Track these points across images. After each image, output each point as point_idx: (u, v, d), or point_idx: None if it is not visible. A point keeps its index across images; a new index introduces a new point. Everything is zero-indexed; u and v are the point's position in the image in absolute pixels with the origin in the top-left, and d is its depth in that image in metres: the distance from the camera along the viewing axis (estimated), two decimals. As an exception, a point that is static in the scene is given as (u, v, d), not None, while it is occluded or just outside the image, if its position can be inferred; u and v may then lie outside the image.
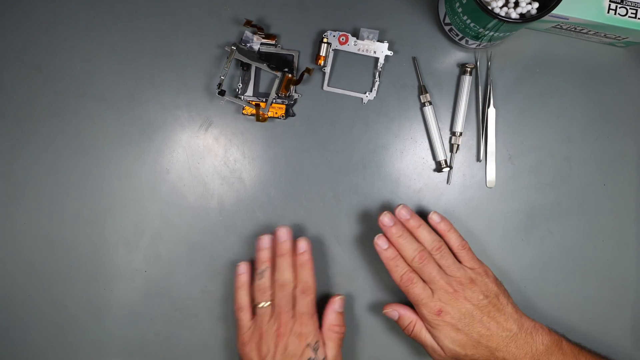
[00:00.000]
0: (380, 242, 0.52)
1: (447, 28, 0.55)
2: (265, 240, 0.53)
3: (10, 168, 0.56)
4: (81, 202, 0.56)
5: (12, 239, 0.56)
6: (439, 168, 0.56)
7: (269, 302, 0.51)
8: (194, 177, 0.57)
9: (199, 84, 0.57)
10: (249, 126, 0.57)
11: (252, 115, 0.56)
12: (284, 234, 0.53)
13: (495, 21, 0.46)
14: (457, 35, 0.54)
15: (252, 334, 0.51)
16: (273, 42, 0.56)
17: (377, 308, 0.56)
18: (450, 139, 0.56)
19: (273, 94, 0.55)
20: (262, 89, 0.57)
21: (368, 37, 0.55)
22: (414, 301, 0.51)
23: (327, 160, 0.57)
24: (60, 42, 0.56)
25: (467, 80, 0.56)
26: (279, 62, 0.56)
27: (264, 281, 0.52)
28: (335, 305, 0.53)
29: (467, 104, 0.56)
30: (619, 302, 0.57)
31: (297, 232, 0.56)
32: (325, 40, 0.55)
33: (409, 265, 0.51)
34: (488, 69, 0.57)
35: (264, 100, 0.56)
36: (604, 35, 0.54)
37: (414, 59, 0.57)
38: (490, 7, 0.47)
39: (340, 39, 0.55)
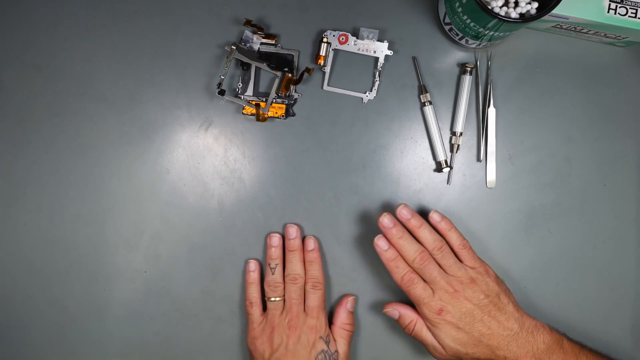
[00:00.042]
0: (380, 243, 0.52)
1: (447, 28, 0.55)
2: (276, 239, 0.55)
3: (10, 168, 0.56)
4: (81, 202, 0.56)
5: (12, 239, 0.56)
6: (439, 168, 0.56)
7: (280, 297, 0.53)
8: (194, 177, 0.57)
9: (199, 84, 0.56)
10: (249, 126, 0.57)
11: (252, 115, 0.56)
12: (293, 231, 0.55)
13: (495, 21, 0.46)
14: (457, 35, 0.54)
15: (263, 328, 0.53)
16: (273, 41, 0.56)
17: (377, 308, 0.56)
18: (451, 139, 0.56)
19: (273, 94, 0.55)
20: (262, 88, 0.57)
21: (368, 36, 0.55)
22: (415, 301, 0.51)
23: (327, 160, 0.57)
24: (60, 42, 0.56)
25: (467, 80, 0.56)
26: (279, 61, 0.56)
27: (275, 276, 0.54)
28: (347, 305, 0.55)
29: (467, 104, 0.56)
30: (619, 302, 0.57)
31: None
32: (325, 40, 0.55)
33: (409, 265, 0.51)
34: (488, 68, 0.57)
35: (264, 100, 0.56)
36: (604, 35, 0.54)
37: (414, 58, 0.57)
38: (490, 7, 0.47)
39: (340, 39, 0.55)
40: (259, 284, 0.55)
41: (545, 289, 0.57)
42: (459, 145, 0.56)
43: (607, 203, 0.57)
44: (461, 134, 0.56)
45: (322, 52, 0.55)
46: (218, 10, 0.57)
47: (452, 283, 0.50)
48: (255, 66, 0.56)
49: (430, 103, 0.56)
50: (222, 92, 0.54)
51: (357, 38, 0.56)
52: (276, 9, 0.57)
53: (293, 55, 0.56)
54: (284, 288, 0.54)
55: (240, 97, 0.56)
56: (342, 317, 0.54)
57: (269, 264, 0.54)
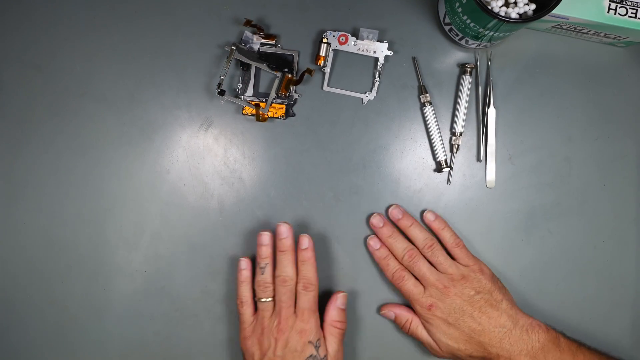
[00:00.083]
0: (372, 242, 0.55)
1: (447, 28, 0.55)
2: (266, 237, 0.53)
3: (10, 168, 0.56)
4: (81, 202, 0.56)
5: (12, 239, 0.56)
6: (439, 168, 0.56)
7: (270, 298, 0.52)
8: (194, 177, 0.57)
9: (199, 84, 0.57)
10: (249, 126, 0.57)
11: (252, 115, 0.56)
12: (285, 230, 0.52)
13: (495, 21, 0.46)
14: (457, 35, 0.54)
15: (253, 328, 0.52)
16: (273, 42, 0.56)
17: (377, 306, 0.56)
18: (450, 139, 0.56)
19: (273, 94, 0.55)
20: (262, 89, 0.57)
21: (368, 37, 0.55)
22: (407, 297, 0.52)
23: (327, 160, 0.57)
24: (60, 42, 0.56)
25: (467, 80, 0.56)
26: (279, 62, 0.56)
27: (265, 277, 0.52)
28: (337, 302, 0.53)
29: (467, 104, 0.56)
30: (619, 302, 0.57)
31: (297, 232, 0.56)
32: (325, 40, 0.55)
33: (400, 263, 0.53)
34: (488, 69, 0.57)
35: (264, 100, 0.56)
36: (604, 35, 0.54)
37: (414, 59, 0.57)
38: (490, 7, 0.47)
39: (340, 39, 0.55)
40: (250, 282, 0.53)
41: (545, 288, 0.57)
42: (458, 146, 0.56)
43: (607, 203, 0.57)
44: (461, 134, 0.56)
45: (322, 53, 0.55)
46: (218, 10, 0.57)
47: (442, 279, 0.51)
48: (255, 66, 0.56)
49: (430, 103, 0.56)
50: (222, 93, 0.54)
51: (357, 38, 0.56)
52: (276, 9, 0.57)
53: (293, 56, 0.56)
54: (275, 288, 0.52)
55: (240, 98, 0.56)
56: (332, 314, 0.52)
57: (259, 264, 0.52)
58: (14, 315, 0.56)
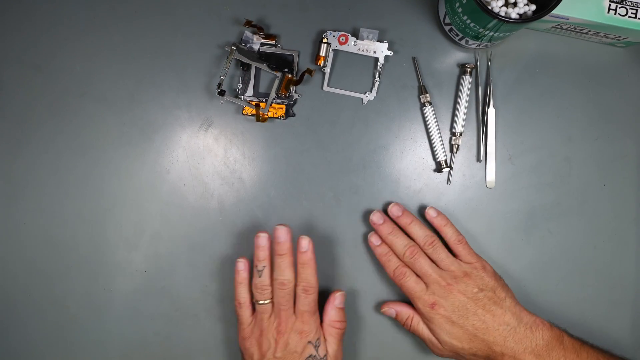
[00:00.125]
0: (373, 239, 0.54)
1: (447, 28, 0.55)
2: (263, 239, 0.52)
3: (10, 168, 0.56)
4: (81, 202, 0.56)
5: (13, 239, 0.56)
6: (439, 168, 0.56)
7: (268, 300, 0.51)
8: (194, 177, 0.57)
9: (199, 84, 0.57)
10: (249, 126, 0.57)
11: (252, 115, 0.56)
12: (283, 234, 0.51)
13: (495, 21, 0.46)
14: (457, 35, 0.54)
15: (252, 329, 0.51)
16: (273, 42, 0.56)
17: (378, 306, 0.57)
18: (450, 139, 0.56)
19: (273, 94, 0.55)
20: (262, 89, 0.57)
21: (368, 37, 0.55)
22: (409, 295, 0.52)
23: (327, 160, 0.57)
24: (60, 42, 0.56)
25: (467, 80, 0.56)
26: (279, 62, 0.56)
27: (262, 279, 0.51)
28: (336, 301, 0.53)
29: (467, 104, 0.56)
30: (618, 301, 0.57)
31: (297, 232, 0.56)
32: (325, 40, 0.55)
33: (401, 260, 0.52)
34: (488, 69, 0.57)
35: (264, 100, 0.56)
36: (604, 35, 0.54)
37: (414, 59, 0.57)
38: (490, 7, 0.47)
39: (340, 39, 0.55)
40: (248, 284, 0.52)
41: (545, 288, 0.57)
42: (458, 146, 0.56)
43: (607, 203, 0.57)
44: (461, 134, 0.56)
45: (322, 53, 0.55)
46: (218, 10, 0.57)
47: (444, 277, 0.51)
48: (255, 66, 0.56)
49: (430, 103, 0.56)
50: (222, 93, 0.54)
51: (357, 38, 0.56)
52: (276, 9, 0.57)
53: (293, 56, 0.56)
54: (273, 291, 0.51)
55: (240, 98, 0.56)
56: (331, 314, 0.52)
57: (256, 266, 0.51)
58: (14, 315, 0.56)
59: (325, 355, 0.50)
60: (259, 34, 0.56)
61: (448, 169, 0.56)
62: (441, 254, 0.52)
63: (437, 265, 0.52)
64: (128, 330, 0.56)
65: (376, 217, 0.54)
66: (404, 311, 0.53)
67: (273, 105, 0.56)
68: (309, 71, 0.54)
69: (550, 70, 0.57)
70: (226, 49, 0.55)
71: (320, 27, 0.57)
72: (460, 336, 0.50)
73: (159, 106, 0.56)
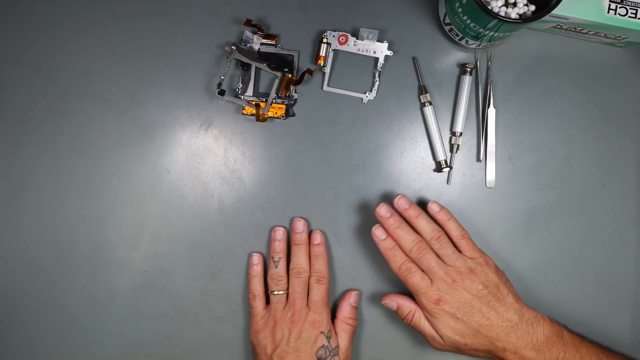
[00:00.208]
0: (378, 232, 0.52)
1: (447, 28, 0.55)
2: (280, 232, 0.55)
3: (10, 168, 0.56)
4: (81, 202, 0.56)
5: (13, 239, 0.56)
6: (439, 168, 0.56)
7: (283, 291, 0.53)
8: (194, 177, 0.57)
9: (199, 84, 0.57)
10: (249, 126, 0.57)
11: (252, 115, 0.56)
12: (301, 225, 0.55)
13: (495, 21, 0.46)
14: (457, 35, 0.54)
15: (266, 321, 0.53)
16: (273, 42, 0.56)
17: (378, 306, 0.57)
18: (450, 139, 0.56)
19: (273, 94, 0.55)
20: (262, 89, 0.57)
21: (368, 37, 0.55)
22: (413, 291, 0.51)
23: (327, 160, 0.57)
24: (60, 42, 0.56)
25: (467, 80, 0.56)
26: (279, 62, 0.56)
27: (278, 270, 0.54)
28: (351, 299, 0.55)
29: (467, 104, 0.56)
30: (618, 301, 0.57)
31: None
32: (325, 40, 0.55)
33: (407, 255, 0.51)
34: (488, 69, 0.57)
35: (264, 100, 0.56)
36: (604, 35, 0.54)
37: (414, 59, 0.57)
38: (490, 7, 0.47)
39: (340, 39, 0.55)
40: (262, 277, 0.55)
41: (545, 288, 0.57)
42: (458, 146, 0.56)
43: (607, 203, 0.57)
44: (461, 134, 0.56)
45: (322, 53, 0.55)
46: (218, 10, 0.57)
47: (450, 273, 0.50)
48: (255, 66, 0.56)
49: (430, 103, 0.56)
50: (222, 93, 0.54)
51: (357, 38, 0.56)
52: (276, 9, 0.57)
53: (293, 56, 0.56)
54: (287, 282, 0.54)
55: (240, 98, 0.56)
56: (345, 311, 0.54)
57: (273, 257, 0.54)
58: (14, 315, 0.56)
59: (337, 347, 0.52)
60: (259, 34, 0.56)
61: (448, 168, 0.56)
62: (447, 250, 0.51)
63: (443, 261, 0.51)
64: (128, 330, 0.56)
65: (383, 210, 0.52)
66: (406, 305, 0.52)
67: (273, 105, 0.56)
68: (309, 71, 0.54)
69: (550, 70, 0.57)
70: (226, 48, 0.55)
71: (320, 27, 0.57)
72: (464, 332, 0.50)
73: (159, 106, 0.56)
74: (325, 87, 0.56)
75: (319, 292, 0.53)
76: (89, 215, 0.56)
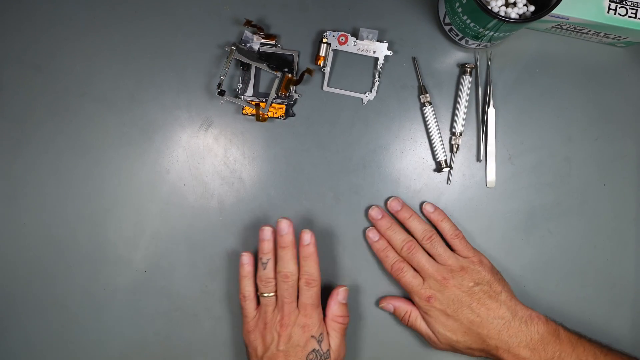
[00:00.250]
0: (371, 234, 0.55)
1: (447, 28, 0.55)
2: (267, 232, 0.52)
3: (10, 168, 0.56)
4: (81, 202, 0.56)
5: (12, 239, 0.56)
6: (439, 168, 0.56)
7: (272, 293, 0.52)
8: (194, 177, 0.57)
9: (199, 84, 0.57)
10: (249, 126, 0.57)
11: (252, 115, 0.56)
12: (285, 226, 0.51)
13: (495, 21, 0.46)
14: (457, 35, 0.54)
15: (256, 323, 0.52)
16: (273, 42, 0.56)
17: (377, 306, 0.56)
18: (450, 139, 0.56)
19: (273, 94, 0.55)
20: (262, 89, 0.57)
21: (368, 37, 0.55)
22: (407, 289, 0.52)
23: (327, 160, 0.57)
24: (60, 42, 0.56)
25: (467, 80, 0.56)
26: (279, 62, 0.56)
27: (267, 272, 0.52)
28: (339, 296, 0.53)
29: (467, 104, 0.56)
30: (618, 301, 0.57)
31: (298, 229, 0.56)
32: (325, 40, 0.55)
33: (398, 254, 0.53)
34: (488, 69, 0.57)
35: (264, 100, 0.56)
36: (604, 35, 0.54)
37: (413, 59, 0.57)
38: (490, 7, 0.47)
39: (340, 39, 0.55)
40: (252, 277, 0.53)
41: (545, 288, 0.57)
42: (458, 146, 0.56)
43: (607, 203, 0.57)
44: (461, 134, 0.56)
45: (322, 53, 0.55)
46: (218, 10, 0.57)
47: (441, 271, 0.51)
48: (255, 66, 0.56)
49: (430, 103, 0.56)
50: (222, 93, 0.54)
51: (357, 38, 0.56)
52: (276, 9, 0.57)
53: (293, 56, 0.56)
54: (277, 283, 0.52)
55: (240, 98, 0.56)
56: (334, 309, 0.52)
57: (261, 259, 0.52)
58: (14, 315, 0.56)
59: (328, 350, 0.51)
60: (259, 34, 0.56)
61: (448, 168, 0.56)
62: (439, 249, 0.52)
63: (435, 260, 0.52)
64: (128, 330, 0.56)
65: (374, 212, 0.54)
66: (402, 306, 0.54)
67: (273, 105, 0.56)
68: (309, 71, 0.54)
69: (550, 70, 0.57)
70: (226, 49, 0.55)
71: (320, 27, 0.57)
72: (455, 329, 0.50)
73: (159, 106, 0.56)
74: (325, 87, 0.56)
75: (308, 295, 0.51)
76: (89, 215, 0.56)
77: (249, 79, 0.56)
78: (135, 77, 0.56)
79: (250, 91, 0.56)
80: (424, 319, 0.52)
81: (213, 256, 0.56)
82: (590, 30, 0.54)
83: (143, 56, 0.57)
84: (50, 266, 0.56)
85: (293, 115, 0.57)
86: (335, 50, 0.56)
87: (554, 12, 0.47)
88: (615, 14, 0.51)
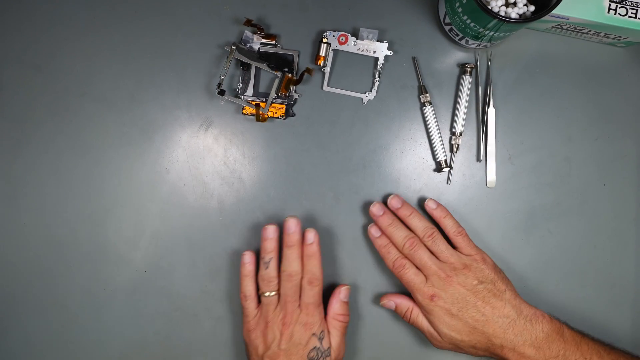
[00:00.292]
0: (372, 230, 0.54)
1: (447, 28, 0.55)
2: (271, 231, 0.52)
3: (10, 168, 0.56)
4: (81, 202, 0.56)
5: (12, 239, 0.56)
6: (439, 168, 0.56)
7: (274, 292, 0.52)
8: (194, 177, 0.57)
9: (199, 84, 0.57)
10: (249, 126, 0.57)
11: (252, 115, 0.56)
12: (293, 225, 0.52)
13: (495, 21, 0.46)
14: (457, 35, 0.54)
15: (257, 322, 0.52)
16: (273, 42, 0.56)
17: (378, 305, 0.56)
18: (450, 139, 0.56)
19: (273, 94, 0.55)
20: (262, 88, 0.57)
21: (368, 37, 0.55)
22: (408, 287, 0.52)
23: (327, 160, 0.57)
24: (60, 42, 0.56)
25: (467, 80, 0.56)
26: (279, 62, 0.56)
27: (269, 271, 0.52)
28: (341, 295, 0.53)
29: (467, 104, 0.56)
30: (618, 301, 0.57)
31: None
32: (325, 40, 0.55)
33: (400, 252, 0.52)
34: (488, 69, 0.57)
35: (264, 100, 0.56)
36: (604, 35, 0.54)
37: (414, 59, 0.57)
38: (490, 7, 0.47)
39: (340, 39, 0.55)
40: (254, 276, 0.53)
41: (545, 288, 0.57)
42: (458, 146, 0.56)
43: (607, 203, 0.57)
44: (461, 134, 0.56)
45: (322, 53, 0.55)
46: (218, 10, 0.57)
47: (444, 269, 0.50)
48: (255, 66, 0.56)
49: (430, 103, 0.56)
50: (222, 92, 0.54)
51: (357, 38, 0.56)
52: (276, 9, 0.57)
53: (293, 56, 0.56)
54: (279, 282, 0.52)
55: (240, 97, 0.56)
56: (335, 307, 0.53)
57: (263, 258, 0.52)
58: (14, 315, 0.56)
59: (329, 347, 0.51)
60: (259, 34, 0.56)
61: (448, 168, 0.56)
62: (441, 246, 0.51)
63: (437, 257, 0.51)
64: (128, 330, 0.56)
65: (376, 209, 0.54)
66: (404, 303, 0.53)
67: (273, 105, 0.56)
68: (308, 70, 0.54)
69: (550, 70, 0.57)
70: (226, 48, 0.55)
71: (320, 27, 0.57)
72: (460, 328, 0.50)
73: (159, 106, 0.56)
74: (325, 87, 0.56)
75: (311, 295, 0.51)
76: (89, 215, 0.56)
77: (249, 79, 0.56)
78: (135, 77, 0.56)
79: (250, 91, 0.56)
80: (425, 317, 0.52)
81: (213, 256, 0.56)
82: (590, 30, 0.54)
83: (143, 56, 0.57)
84: (50, 266, 0.56)
85: (293, 115, 0.57)
86: (335, 50, 0.56)
87: (554, 12, 0.47)
88: (615, 14, 0.51)
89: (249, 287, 0.53)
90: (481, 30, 0.50)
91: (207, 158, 0.57)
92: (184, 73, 0.56)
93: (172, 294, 0.56)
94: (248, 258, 0.53)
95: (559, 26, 0.54)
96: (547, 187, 0.57)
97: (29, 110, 0.56)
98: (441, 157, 0.56)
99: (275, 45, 0.56)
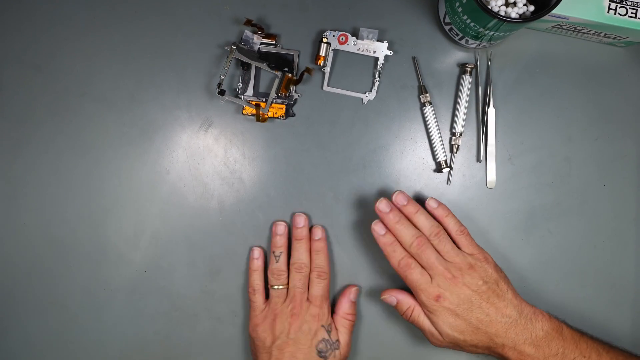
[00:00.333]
0: (377, 227, 0.52)
1: (447, 28, 0.55)
2: (282, 227, 0.55)
3: (10, 168, 0.56)
4: (81, 202, 0.56)
5: (13, 238, 0.56)
6: (439, 168, 0.56)
7: (283, 285, 0.54)
8: (194, 177, 0.57)
9: (199, 84, 0.57)
10: (249, 126, 0.57)
11: (252, 115, 0.56)
12: (302, 220, 0.55)
13: (495, 21, 0.46)
14: (457, 35, 0.54)
15: (265, 315, 0.53)
16: (273, 41, 0.56)
17: (377, 304, 0.56)
18: (450, 139, 0.56)
19: (273, 94, 0.55)
20: (262, 88, 0.57)
21: (368, 36, 0.55)
22: (413, 287, 0.51)
23: (327, 160, 0.57)
24: (60, 42, 0.56)
25: (467, 80, 0.56)
26: (279, 61, 0.56)
27: (279, 265, 0.54)
28: (350, 295, 0.55)
29: (467, 104, 0.56)
30: (618, 301, 0.57)
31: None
32: (325, 40, 0.55)
33: (406, 250, 0.51)
34: (488, 69, 0.57)
35: (264, 100, 0.56)
36: (604, 35, 0.54)
37: (414, 59, 0.57)
38: (489, 7, 0.47)
39: (340, 39, 0.55)
40: (262, 271, 0.55)
41: (545, 288, 0.57)
42: (458, 146, 0.56)
43: (607, 203, 0.57)
44: (461, 134, 0.56)
45: (322, 53, 0.55)
46: (218, 10, 0.57)
47: (450, 269, 0.50)
48: (255, 66, 0.56)
49: (430, 103, 0.56)
50: (222, 92, 0.54)
51: (357, 38, 0.56)
52: (276, 9, 0.57)
53: (293, 56, 0.56)
54: (288, 276, 0.54)
55: (240, 97, 0.56)
56: (344, 306, 0.54)
57: (274, 252, 0.54)
58: (14, 315, 0.56)
59: (337, 341, 0.52)
60: (259, 34, 0.56)
61: (448, 169, 0.56)
62: (447, 245, 0.51)
63: (442, 257, 0.51)
64: (128, 330, 0.56)
65: (383, 205, 0.52)
66: (405, 301, 0.52)
67: (273, 105, 0.56)
68: (308, 70, 0.54)
69: (550, 70, 0.57)
70: (226, 48, 0.55)
71: (320, 27, 0.57)
72: (464, 329, 0.49)
73: (159, 106, 0.56)
74: (325, 87, 0.56)
75: (319, 287, 0.53)
76: (89, 215, 0.56)
77: (249, 79, 0.56)
78: (135, 77, 0.56)
79: (250, 91, 0.56)
80: (427, 317, 0.51)
81: (213, 256, 0.56)
82: (590, 30, 0.54)
83: (143, 56, 0.57)
84: (50, 266, 0.56)
85: (293, 115, 0.57)
86: (335, 50, 0.56)
87: (554, 12, 0.47)
88: (615, 13, 0.51)
89: (257, 281, 0.55)
90: (481, 30, 0.50)
91: (207, 158, 0.57)
92: (184, 73, 0.56)
93: (172, 294, 0.56)
94: (257, 253, 0.55)
95: (558, 26, 0.54)
96: (547, 187, 0.57)
97: (29, 110, 0.56)
98: (441, 157, 0.56)
99: (275, 45, 0.56)
